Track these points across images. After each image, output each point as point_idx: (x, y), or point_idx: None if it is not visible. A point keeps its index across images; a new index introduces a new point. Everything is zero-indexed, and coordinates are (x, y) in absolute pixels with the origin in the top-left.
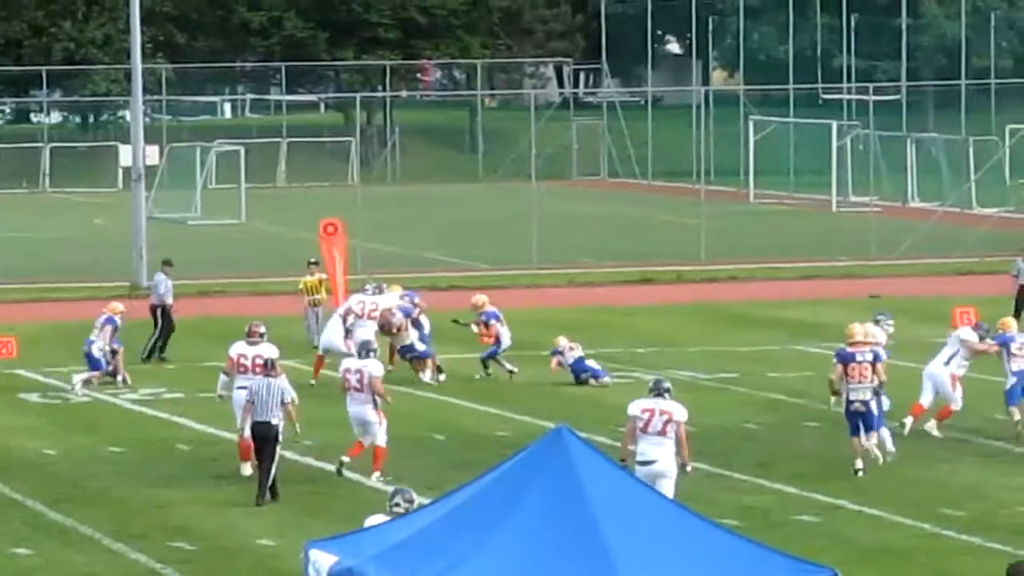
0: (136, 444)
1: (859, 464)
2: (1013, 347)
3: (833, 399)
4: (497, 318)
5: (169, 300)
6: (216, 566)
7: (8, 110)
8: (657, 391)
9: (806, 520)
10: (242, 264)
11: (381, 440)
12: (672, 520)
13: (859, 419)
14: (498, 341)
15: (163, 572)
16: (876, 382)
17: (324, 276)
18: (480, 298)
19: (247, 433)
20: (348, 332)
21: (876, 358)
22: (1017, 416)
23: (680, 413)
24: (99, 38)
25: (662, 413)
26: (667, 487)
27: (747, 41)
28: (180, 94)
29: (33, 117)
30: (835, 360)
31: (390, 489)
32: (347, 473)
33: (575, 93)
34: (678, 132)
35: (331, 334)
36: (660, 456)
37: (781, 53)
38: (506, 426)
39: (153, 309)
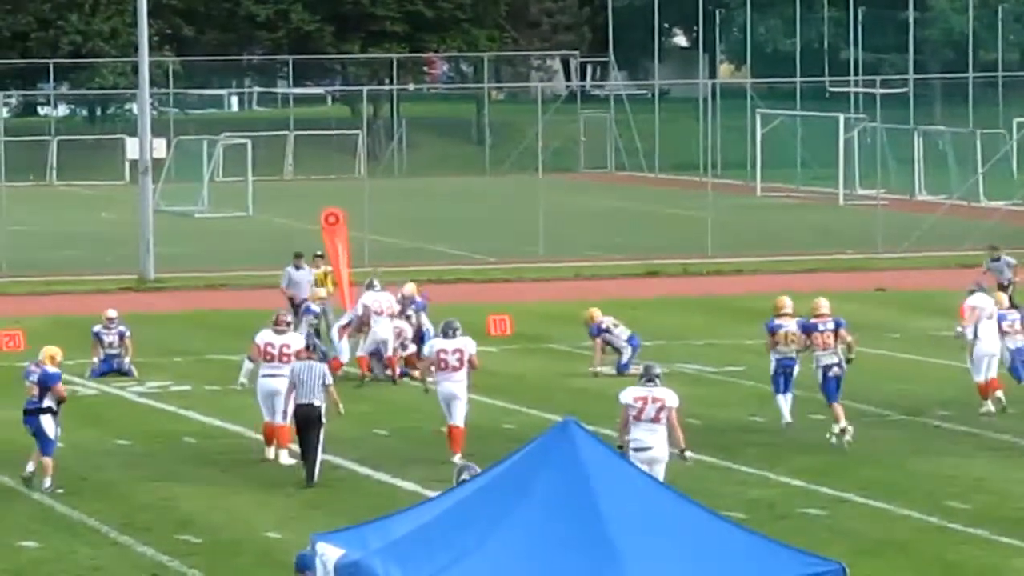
0: (143, 437)
1: (843, 423)
2: (1004, 325)
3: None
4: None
5: (301, 293)
6: (222, 559)
7: (15, 103)
8: (648, 378)
9: (812, 513)
10: (249, 257)
11: (463, 419)
12: (678, 513)
13: (836, 383)
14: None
15: (170, 564)
16: (843, 348)
17: (330, 269)
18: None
19: (285, 420)
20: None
21: (838, 326)
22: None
23: (672, 399)
24: (106, 31)
25: (655, 400)
26: (660, 472)
27: (754, 34)
28: (187, 87)
29: (40, 110)
30: (799, 331)
31: (397, 481)
32: (353, 466)
33: (582, 86)
34: (685, 125)
35: (381, 330)
36: (655, 442)
37: (788, 46)
38: (512, 419)
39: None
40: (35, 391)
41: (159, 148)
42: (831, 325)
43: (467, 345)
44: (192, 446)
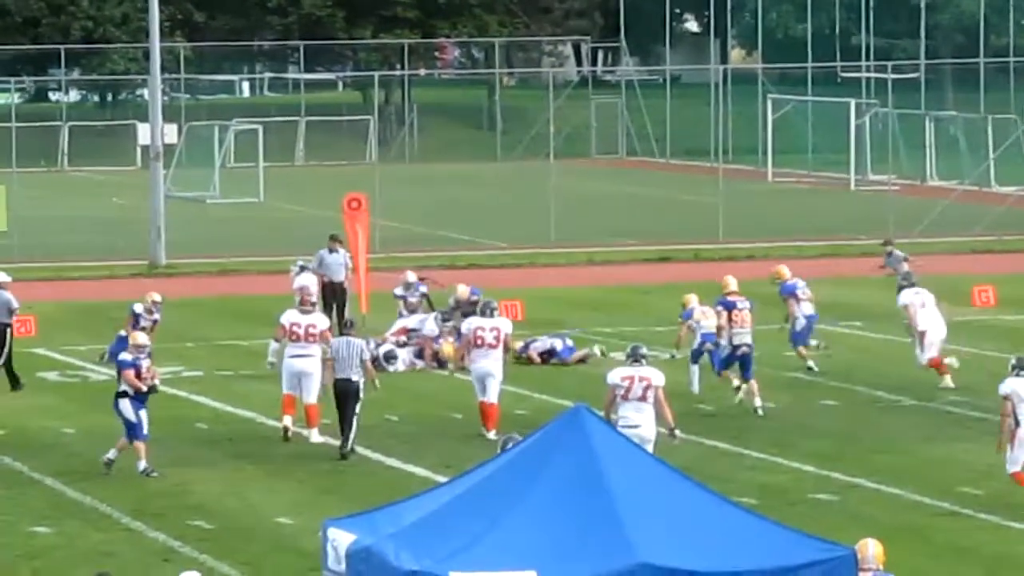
0: (154, 423)
1: (759, 403)
2: (798, 292)
3: (723, 341)
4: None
5: (334, 276)
6: (234, 544)
7: (26, 88)
8: (634, 357)
9: (824, 499)
10: (260, 243)
11: (497, 396)
12: (689, 499)
13: (746, 360)
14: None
15: (181, 550)
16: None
17: (348, 254)
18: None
19: (316, 399)
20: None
21: (752, 307)
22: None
23: (658, 378)
24: (117, 17)
25: (641, 379)
26: (649, 451)
27: (765, 19)
28: (198, 73)
29: (51, 96)
30: (719, 307)
31: (409, 467)
32: (364, 451)
33: (593, 71)
34: (696, 111)
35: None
36: (643, 421)
37: (799, 31)
38: (524, 405)
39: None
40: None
41: (170, 134)
42: (748, 304)
43: (504, 325)
44: (204, 432)
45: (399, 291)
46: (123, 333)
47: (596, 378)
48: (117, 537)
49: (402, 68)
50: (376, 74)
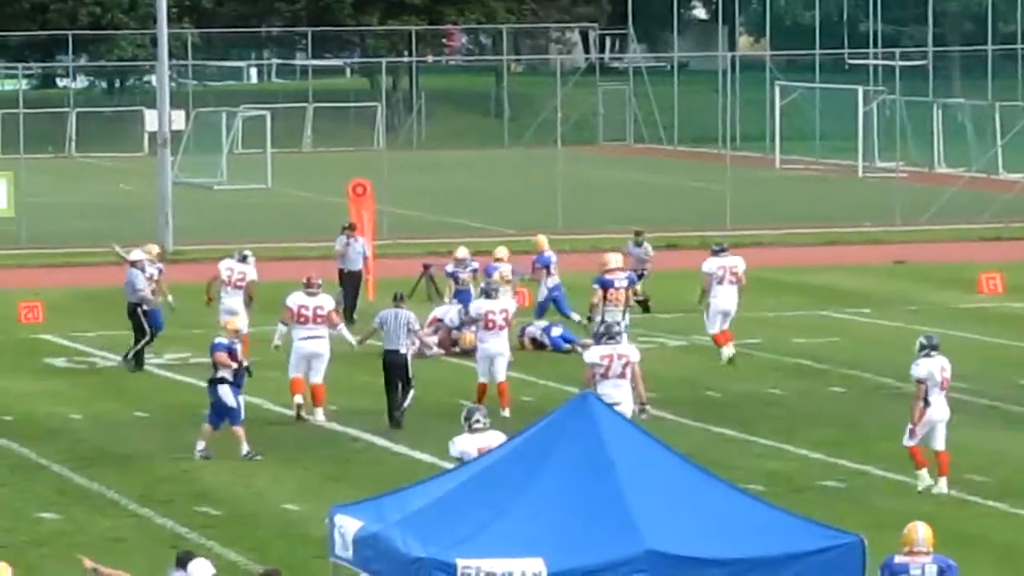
0: (162, 409)
1: None
2: (551, 268)
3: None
4: None
5: (352, 266)
6: (241, 531)
7: (34, 75)
8: (610, 336)
9: (831, 486)
10: (268, 229)
11: (504, 375)
12: (696, 485)
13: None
14: None
15: (188, 537)
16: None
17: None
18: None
19: (320, 379)
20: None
21: (631, 282)
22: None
23: (635, 354)
24: (125, 3)
25: (620, 356)
26: None
27: (773, 6)
28: (206, 59)
29: (59, 82)
30: (595, 286)
31: (416, 453)
32: (371, 438)
33: (601, 58)
34: (704, 98)
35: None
36: (622, 398)
37: (807, 18)
38: (531, 391)
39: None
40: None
41: (178, 120)
42: (625, 282)
43: (510, 305)
44: None
45: (450, 268)
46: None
47: None
48: (124, 524)
49: (410, 55)
50: (384, 60)
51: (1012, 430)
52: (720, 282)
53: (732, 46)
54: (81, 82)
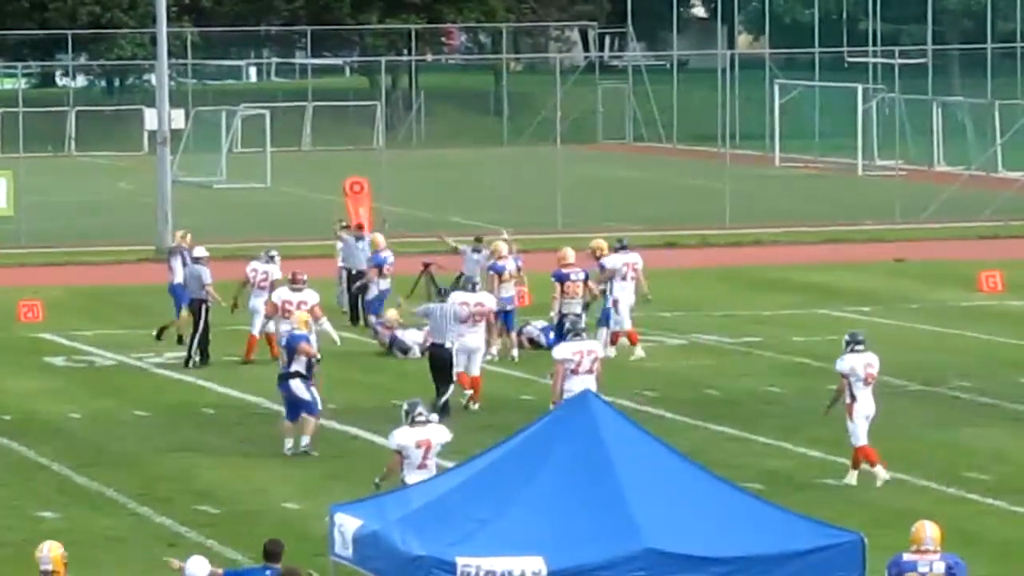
0: (161, 408)
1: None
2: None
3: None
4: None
5: (358, 266)
6: (241, 529)
7: (33, 73)
8: (576, 332)
9: (831, 484)
10: (268, 228)
11: (478, 370)
12: (696, 484)
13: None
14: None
15: (188, 535)
16: (588, 297)
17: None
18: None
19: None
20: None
21: (587, 277)
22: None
23: (600, 349)
24: (124, 2)
25: (589, 352)
26: None
27: (772, 5)
28: (205, 58)
29: (58, 81)
30: (554, 280)
31: None
32: (371, 436)
33: (600, 57)
34: (703, 96)
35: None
36: None
37: (807, 17)
38: (530, 390)
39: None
40: (284, 356)
41: (177, 119)
42: (582, 276)
43: (487, 300)
44: (210, 417)
45: (490, 262)
46: (179, 281)
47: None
48: (123, 522)
49: (409, 53)
50: (383, 59)
51: (1012, 428)
52: (624, 278)
53: (731, 44)
54: (80, 81)
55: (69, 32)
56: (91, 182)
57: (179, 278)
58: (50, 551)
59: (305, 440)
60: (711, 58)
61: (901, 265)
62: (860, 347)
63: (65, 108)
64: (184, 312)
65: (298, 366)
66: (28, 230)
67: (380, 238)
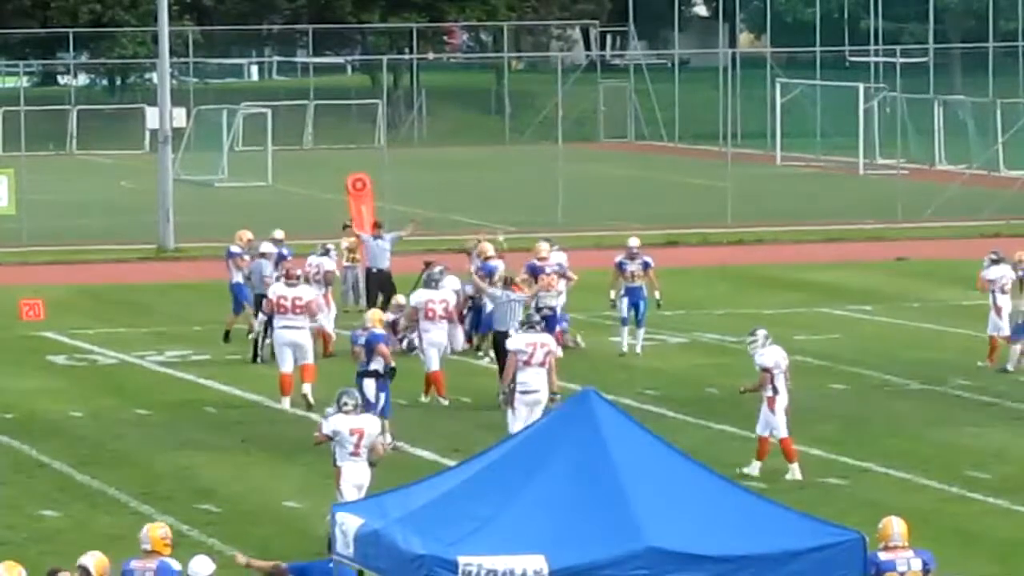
0: (162, 406)
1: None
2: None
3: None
4: None
5: (379, 264)
6: (242, 528)
7: (35, 72)
8: (530, 325)
9: (832, 483)
10: (269, 226)
11: (437, 365)
12: (698, 482)
13: (547, 322)
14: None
15: (189, 534)
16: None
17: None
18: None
19: (310, 360)
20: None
21: (561, 268)
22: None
23: (553, 343)
24: (126, 0)
25: (542, 345)
26: (539, 412)
27: (774, 3)
28: (207, 56)
29: (60, 79)
30: (526, 273)
31: (417, 451)
32: None
33: (602, 56)
34: (705, 95)
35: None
36: (540, 386)
37: (808, 16)
38: None
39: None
40: (362, 355)
41: (179, 117)
42: (557, 268)
43: (450, 296)
44: (212, 415)
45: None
46: (238, 280)
47: (605, 362)
48: (125, 521)
49: (410, 52)
50: (385, 58)
51: (1013, 427)
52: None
53: (733, 43)
54: (82, 79)
55: (71, 30)
56: (92, 181)
57: (238, 277)
58: (149, 532)
59: (386, 438)
60: (712, 57)
61: (902, 264)
62: (769, 341)
63: (67, 107)
64: (248, 308)
65: (376, 365)
66: (30, 228)
67: (488, 247)
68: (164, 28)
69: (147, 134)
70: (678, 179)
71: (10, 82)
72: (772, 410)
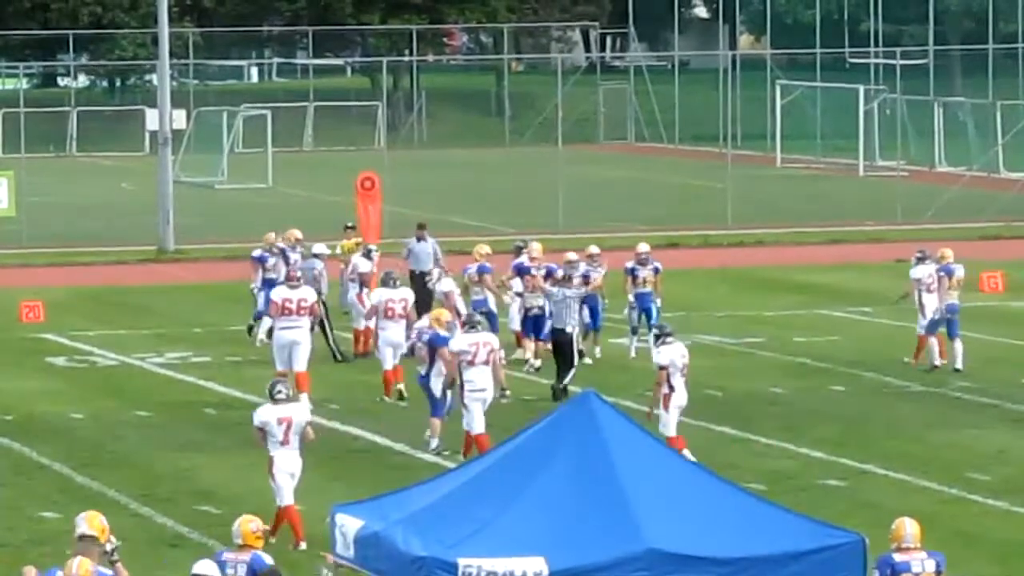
0: (162, 408)
1: (537, 363)
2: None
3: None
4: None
5: (423, 266)
6: None
7: (35, 74)
8: (471, 325)
9: (832, 484)
10: (269, 228)
11: (392, 363)
12: (697, 484)
13: (536, 322)
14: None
15: (189, 536)
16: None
17: (360, 240)
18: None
19: (303, 367)
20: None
21: (549, 272)
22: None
23: (496, 342)
24: (126, 2)
25: (485, 344)
26: (483, 408)
27: (774, 5)
28: (207, 58)
29: (60, 81)
30: (512, 272)
31: (417, 453)
32: (372, 437)
33: (602, 57)
34: (705, 96)
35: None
36: (487, 384)
37: (808, 17)
38: (532, 390)
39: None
40: (424, 353)
41: (179, 119)
42: (543, 270)
43: (409, 295)
44: (212, 417)
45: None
46: (256, 285)
47: (606, 364)
48: (125, 523)
49: (411, 54)
50: (384, 60)
51: (1013, 429)
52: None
53: (733, 45)
54: (82, 81)
55: (71, 32)
56: (92, 182)
57: (281, 277)
58: (240, 526)
59: (434, 443)
60: (712, 58)
61: (903, 265)
62: (670, 339)
63: (67, 108)
64: None
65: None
66: (30, 230)
67: (536, 246)
68: (164, 30)
69: (147, 136)
70: (678, 181)
71: (10, 84)
72: (666, 408)
